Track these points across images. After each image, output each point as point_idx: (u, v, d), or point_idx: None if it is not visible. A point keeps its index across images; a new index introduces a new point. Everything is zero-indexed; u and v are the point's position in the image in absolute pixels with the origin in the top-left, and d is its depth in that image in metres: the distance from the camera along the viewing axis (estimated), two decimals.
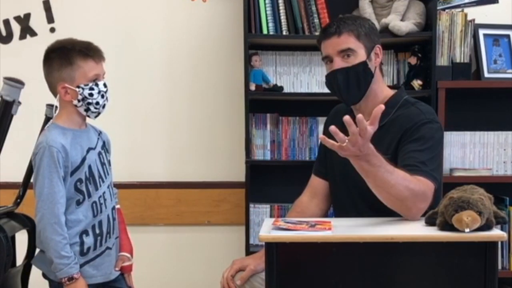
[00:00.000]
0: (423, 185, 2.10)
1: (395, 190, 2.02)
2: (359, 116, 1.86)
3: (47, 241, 2.16)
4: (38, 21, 3.32)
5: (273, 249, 1.84)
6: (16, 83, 2.28)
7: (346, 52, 2.30)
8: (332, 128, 1.85)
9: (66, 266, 2.17)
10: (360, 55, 2.31)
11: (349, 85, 2.30)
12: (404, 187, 2.03)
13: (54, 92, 2.26)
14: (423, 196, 2.09)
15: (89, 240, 2.24)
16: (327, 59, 2.35)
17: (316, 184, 2.54)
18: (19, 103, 2.31)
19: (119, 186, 2.51)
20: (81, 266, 2.23)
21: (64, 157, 2.19)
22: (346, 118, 1.84)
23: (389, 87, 2.47)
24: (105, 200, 2.30)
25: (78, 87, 2.22)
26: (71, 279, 2.18)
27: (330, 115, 2.57)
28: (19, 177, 2.49)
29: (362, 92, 2.32)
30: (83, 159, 2.25)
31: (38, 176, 2.18)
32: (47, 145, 2.18)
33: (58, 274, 2.18)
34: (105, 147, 2.38)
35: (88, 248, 2.24)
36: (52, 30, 3.32)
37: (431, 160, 2.18)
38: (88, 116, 2.29)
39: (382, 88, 2.39)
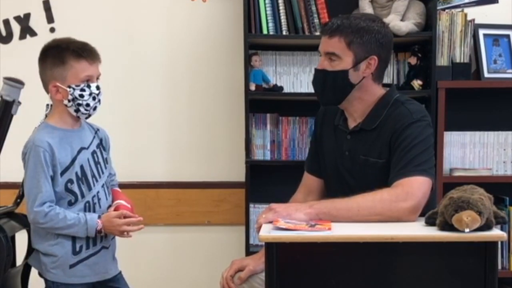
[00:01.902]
0: (400, 188, 2.12)
1: (365, 211, 2.07)
2: None
3: (58, 231, 2.19)
4: (38, 21, 3.32)
5: (273, 249, 1.84)
6: (16, 83, 2.28)
7: (330, 56, 2.27)
8: None
9: (85, 225, 2.20)
10: (345, 62, 2.25)
11: (325, 88, 2.29)
12: (370, 202, 2.08)
13: (47, 90, 2.27)
14: (403, 196, 2.09)
15: (80, 238, 2.23)
16: (319, 54, 2.34)
17: (310, 182, 2.53)
18: (19, 103, 2.31)
19: (119, 186, 2.50)
20: (74, 265, 2.23)
21: (51, 156, 2.19)
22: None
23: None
24: (99, 199, 2.29)
25: (69, 87, 2.22)
26: (100, 228, 2.22)
27: (320, 114, 2.52)
28: (19, 177, 2.48)
29: (337, 98, 2.30)
30: (73, 160, 2.24)
31: (26, 177, 2.20)
32: (33, 145, 2.19)
33: (90, 235, 2.21)
34: (102, 145, 2.37)
35: (81, 247, 2.24)
36: (52, 30, 3.31)
37: (419, 155, 2.18)
38: (78, 117, 2.28)
39: (372, 92, 2.32)
